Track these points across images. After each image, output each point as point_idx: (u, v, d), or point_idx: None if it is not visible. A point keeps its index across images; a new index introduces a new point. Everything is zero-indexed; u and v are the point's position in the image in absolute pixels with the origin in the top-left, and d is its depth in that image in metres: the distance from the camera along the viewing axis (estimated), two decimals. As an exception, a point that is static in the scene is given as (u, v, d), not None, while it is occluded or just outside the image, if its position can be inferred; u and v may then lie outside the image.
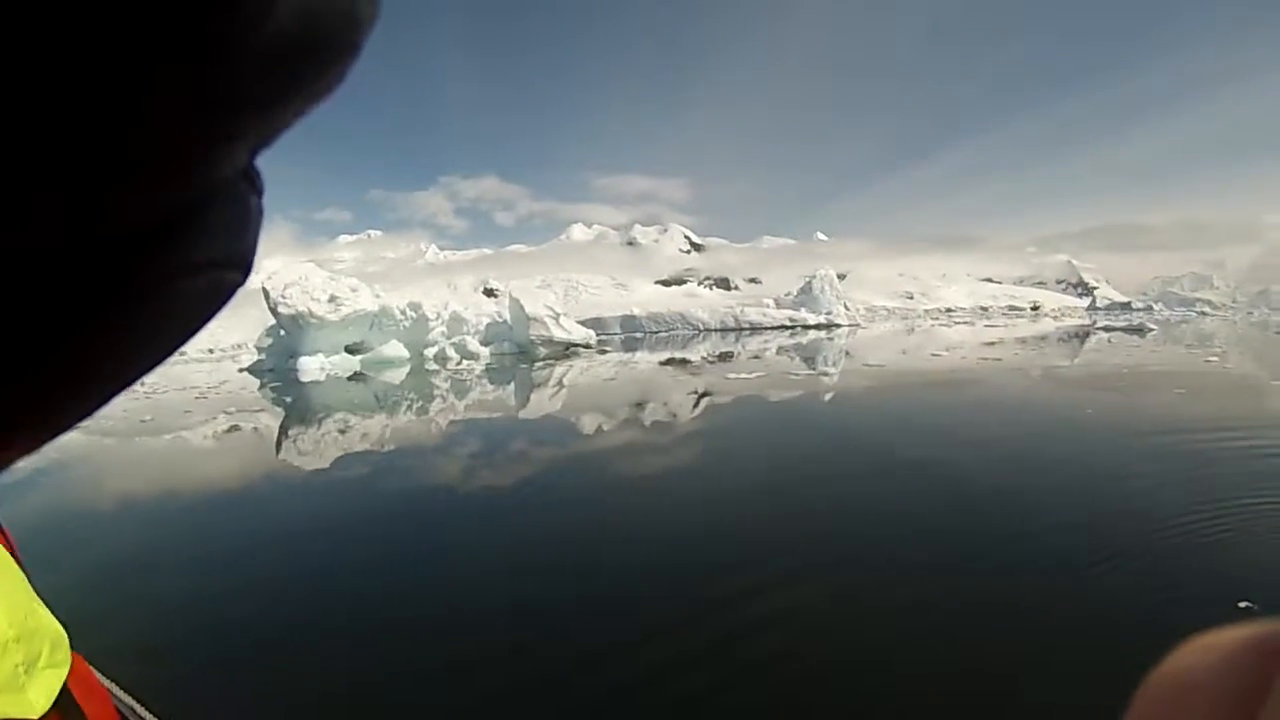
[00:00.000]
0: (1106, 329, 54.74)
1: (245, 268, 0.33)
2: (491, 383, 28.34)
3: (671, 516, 7.99)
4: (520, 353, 47.27)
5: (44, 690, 0.77)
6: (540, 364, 37.19)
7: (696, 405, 17.90)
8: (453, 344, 46.23)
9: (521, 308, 47.57)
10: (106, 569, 7.11)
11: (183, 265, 0.29)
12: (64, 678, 0.82)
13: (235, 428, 18.69)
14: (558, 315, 48.60)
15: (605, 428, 14.87)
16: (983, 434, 12.10)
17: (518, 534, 7.57)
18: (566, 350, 47.23)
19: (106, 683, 1.90)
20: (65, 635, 0.87)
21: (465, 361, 42.03)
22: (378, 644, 4.95)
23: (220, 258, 0.30)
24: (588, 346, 49.83)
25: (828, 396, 18.67)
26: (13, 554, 1.01)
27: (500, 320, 51.19)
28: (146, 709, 2.14)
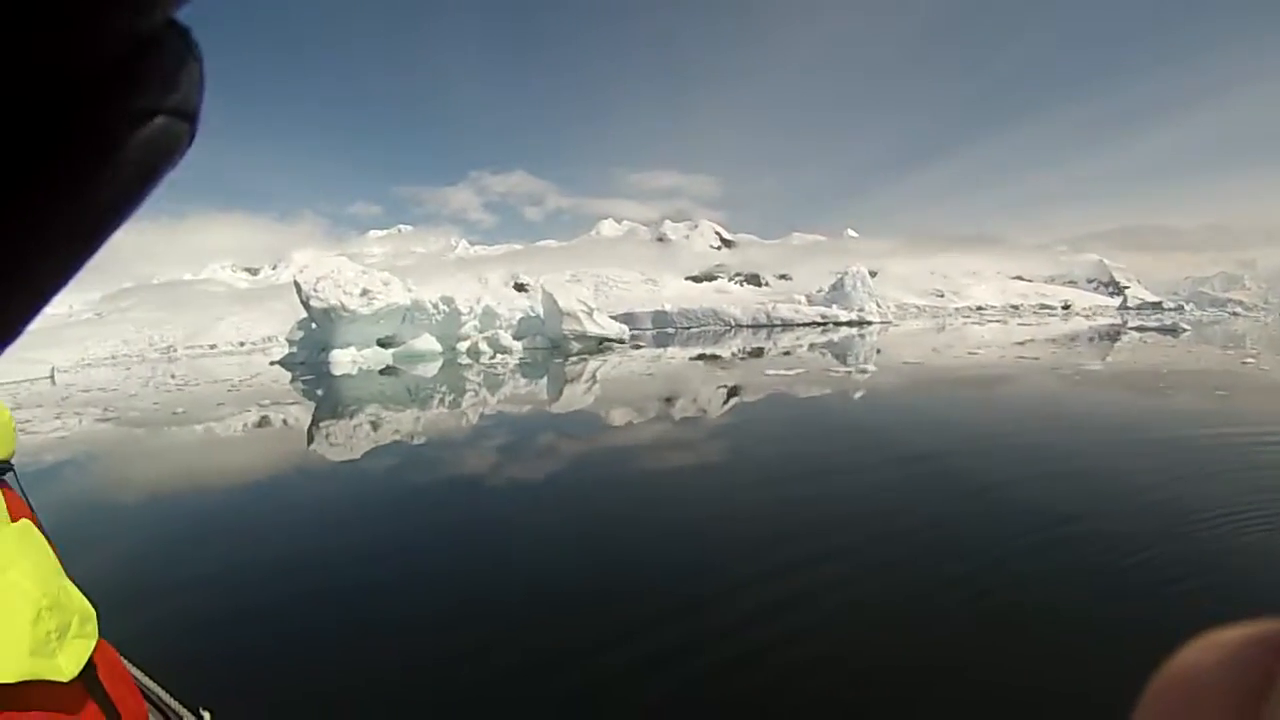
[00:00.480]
0: (1140, 329, 53.20)
1: (191, 119, 0.32)
2: (526, 377, 27.61)
3: (711, 513, 7.85)
4: (553, 347, 46.48)
5: (73, 658, 0.82)
6: (574, 359, 36.41)
7: (735, 402, 17.24)
8: (485, 338, 45.76)
9: (555, 302, 46.89)
10: (140, 556, 7.20)
11: (126, 112, 0.28)
12: (91, 649, 0.87)
13: (268, 420, 18.35)
14: (591, 310, 47.86)
15: (644, 423, 14.31)
16: (1024, 433, 11.72)
17: (552, 527, 7.45)
18: (600, 345, 46.36)
19: (132, 669, 2.10)
20: (94, 611, 0.93)
21: (499, 355, 41.41)
22: (404, 631, 4.95)
23: (163, 106, 0.30)
24: (621, 341, 48.93)
25: (869, 394, 17.88)
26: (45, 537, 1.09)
27: (533, 314, 50.48)
28: (169, 693, 2.23)
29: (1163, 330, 48.61)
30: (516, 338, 47.78)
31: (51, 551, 0.92)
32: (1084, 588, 5.15)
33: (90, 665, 0.87)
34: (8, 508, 1.04)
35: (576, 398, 19.45)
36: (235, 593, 5.93)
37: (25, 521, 0.92)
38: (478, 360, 39.03)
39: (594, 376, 26.05)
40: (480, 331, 48.73)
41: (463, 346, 46.52)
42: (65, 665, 0.79)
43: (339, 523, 8.08)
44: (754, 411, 15.65)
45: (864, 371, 23.08)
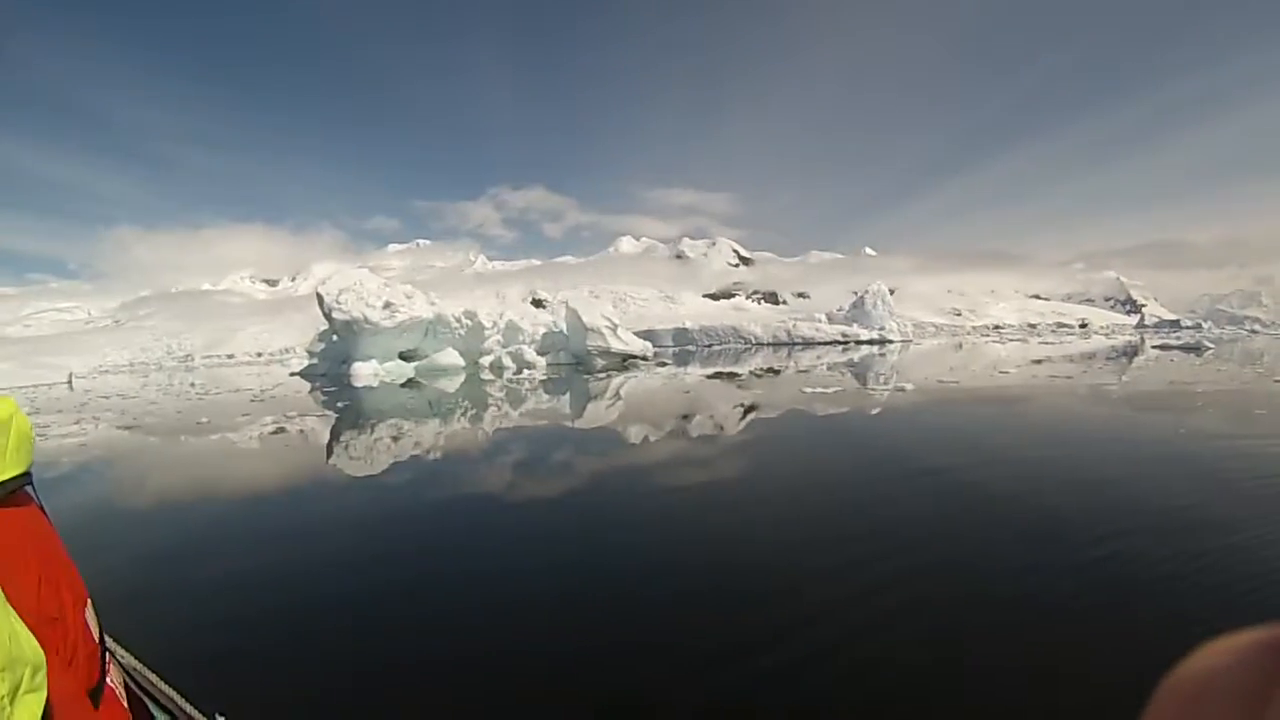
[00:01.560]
0: (1164, 347, 52.83)
1: None
2: (553, 393, 26.74)
3: (771, 528, 7.55)
4: (576, 363, 45.77)
5: (27, 716, 0.83)
6: (600, 375, 35.52)
7: (782, 418, 16.59)
8: (509, 353, 45.11)
9: (579, 318, 46.22)
10: (166, 561, 7.17)
11: None
12: (44, 701, 0.87)
13: (293, 431, 17.79)
14: (615, 326, 47.10)
15: (691, 441, 13.66)
16: (1079, 450, 11.61)
17: (574, 547, 7.04)
18: (624, 362, 45.54)
19: (149, 674, 2.33)
20: (44, 658, 0.92)
21: (525, 371, 40.61)
22: (422, 638, 4.91)
23: None
24: (645, 359, 48.05)
25: (912, 412, 17.26)
26: (53, 538, 1.24)
27: (556, 330, 49.94)
28: (184, 698, 2.28)
29: (1186, 349, 48.26)
30: (540, 353, 46.97)
31: (1, 593, 0.88)
32: (1143, 598, 5.11)
33: (45, 714, 0.87)
34: (26, 520, 1.09)
35: (613, 415, 18.57)
36: (258, 599, 5.88)
37: None
38: (500, 375, 38.25)
39: (626, 393, 25.17)
40: (503, 346, 48.13)
41: (485, 361, 45.92)
42: None
43: (363, 532, 7.93)
44: (806, 427, 14.99)
45: (901, 390, 22.25)
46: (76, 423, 23.75)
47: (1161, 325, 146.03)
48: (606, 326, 46.30)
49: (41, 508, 1.34)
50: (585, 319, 45.95)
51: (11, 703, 0.80)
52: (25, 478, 1.33)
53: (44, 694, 0.86)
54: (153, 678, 2.34)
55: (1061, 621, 4.76)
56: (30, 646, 0.88)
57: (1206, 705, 0.25)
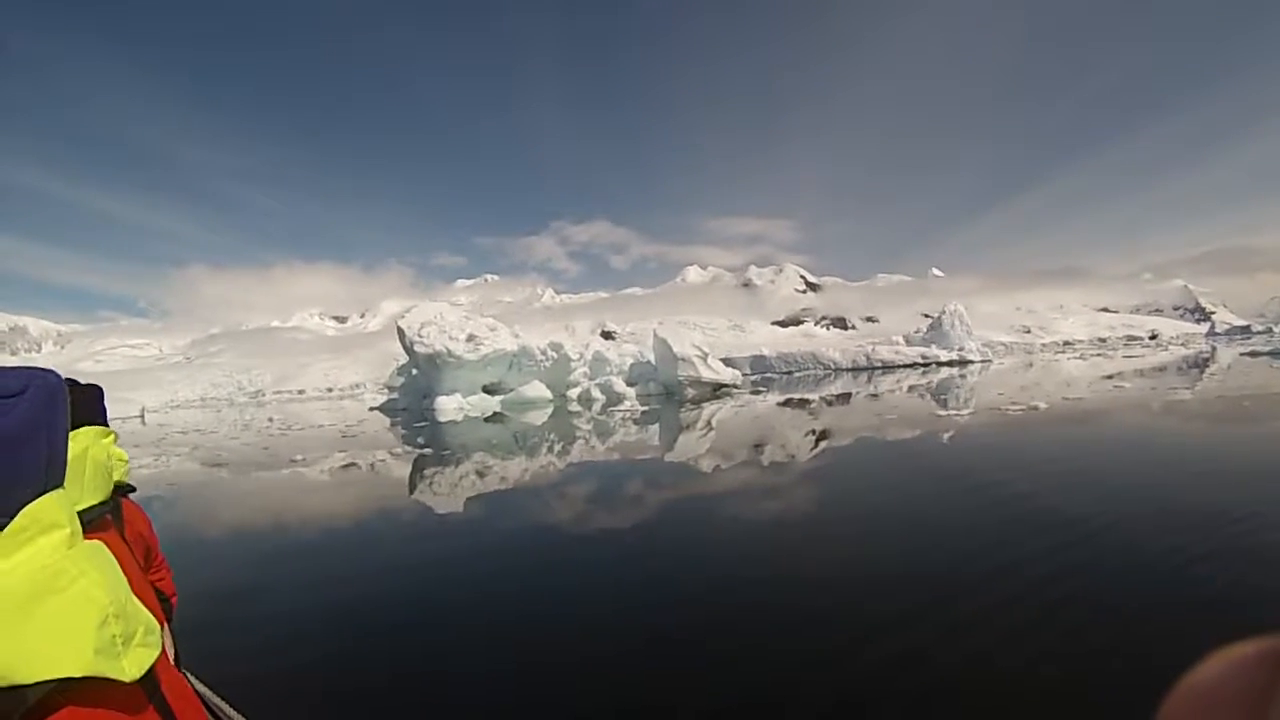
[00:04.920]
0: (1253, 354, 50.23)
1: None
2: (653, 425, 24.42)
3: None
4: (667, 394, 43.59)
5: (135, 663, 0.88)
6: (695, 405, 33.14)
7: (908, 447, 14.75)
8: (598, 384, 43.25)
9: (669, 347, 44.05)
10: (269, 586, 7.20)
11: None
12: (154, 658, 0.93)
13: (396, 467, 16.67)
14: (705, 355, 44.78)
15: (860, 475, 12.09)
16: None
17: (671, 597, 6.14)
18: (715, 391, 43.25)
19: (222, 703, 2.33)
20: (158, 626, 0.99)
21: (625, 403, 38.19)
22: (489, 686, 4.50)
23: None
24: (736, 387, 45.58)
25: (1071, 429, 16.05)
26: (140, 558, 1.42)
27: (644, 360, 48.06)
28: (244, 716, 2.29)
29: (1275, 354, 46.38)
30: (628, 384, 45.02)
31: (121, 572, 0.96)
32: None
33: (153, 674, 0.93)
34: (126, 528, 1.33)
35: (726, 448, 16.11)
36: (340, 630, 5.73)
37: (98, 542, 0.96)
38: (589, 408, 36.13)
39: (727, 425, 22.66)
40: (591, 378, 46.34)
41: (573, 394, 44.14)
42: (128, 668, 0.85)
43: (469, 568, 7.56)
44: (991, 458, 12.82)
45: (1034, 408, 20.10)
46: (157, 459, 23.24)
47: (1233, 331, 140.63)
48: (697, 355, 43.99)
49: (122, 535, 1.41)
50: (675, 348, 43.79)
51: (124, 645, 0.85)
52: (106, 506, 1.44)
53: (156, 652, 0.91)
54: (224, 705, 2.33)
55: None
56: (145, 614, 0.95)
57: (1211, 711, 0.26)
